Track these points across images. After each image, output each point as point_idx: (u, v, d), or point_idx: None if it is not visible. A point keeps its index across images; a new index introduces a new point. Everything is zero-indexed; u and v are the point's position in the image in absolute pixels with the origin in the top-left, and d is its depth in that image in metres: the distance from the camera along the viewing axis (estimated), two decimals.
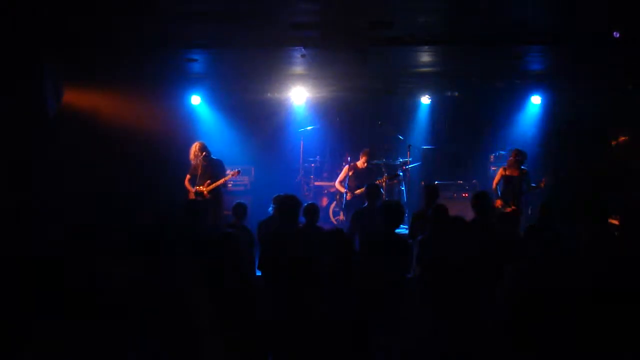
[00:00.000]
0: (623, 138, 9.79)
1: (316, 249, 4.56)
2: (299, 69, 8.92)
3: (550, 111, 10.51)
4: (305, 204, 5.71)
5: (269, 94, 10.79)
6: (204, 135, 9.71)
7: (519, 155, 8.37)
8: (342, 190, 8.99)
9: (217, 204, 8.16)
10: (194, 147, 8.34)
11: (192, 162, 8.34)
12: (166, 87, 9.72)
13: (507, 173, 8.38)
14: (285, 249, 5.01)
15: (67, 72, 7.77)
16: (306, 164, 10.55)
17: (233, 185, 9.74)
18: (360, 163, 8.99)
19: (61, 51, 7.31)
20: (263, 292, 5.62)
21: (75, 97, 8.31)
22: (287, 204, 5.30)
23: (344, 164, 9.52)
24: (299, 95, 10.54)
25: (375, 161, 9.63)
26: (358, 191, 8.60)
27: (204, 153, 8.26)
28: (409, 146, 10.00)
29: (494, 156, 10.44)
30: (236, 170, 8.56)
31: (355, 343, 4.01)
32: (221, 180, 8.27)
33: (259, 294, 4.21)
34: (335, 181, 9.42)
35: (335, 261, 4.16)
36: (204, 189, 8.17)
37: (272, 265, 5.09)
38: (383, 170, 9.51)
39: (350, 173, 8.95)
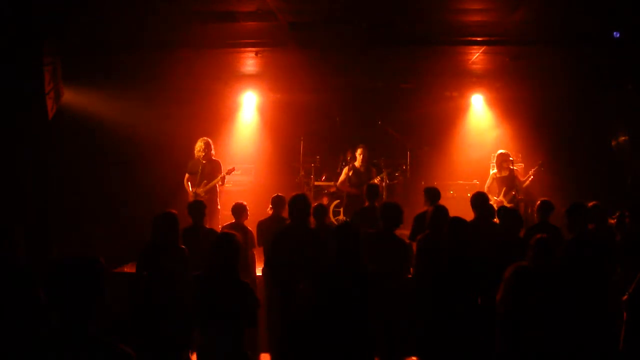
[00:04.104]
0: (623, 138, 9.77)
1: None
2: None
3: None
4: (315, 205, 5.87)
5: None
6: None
7: (506, 157, 8.64)
8: (345, 190, 8.97)
9: (212, 204, 7.97)
10: (202, 142, 8.20)
11: (195, 158, 8.22)
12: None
13: (498, 175, 8.66)
14: (296, 248, 5.03)
15: (68, 72, 7.75)
16: (306, 164, 10.53)
17: (233, 185, 9.69)
18: (358, 163, 8.96)
19: (62, 50, 7.32)
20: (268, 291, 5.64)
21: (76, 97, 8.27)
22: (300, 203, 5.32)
23: (343, 163, 9.51)
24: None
25: (375, 160, 9.60)
26: (357, 190, 8.57)
27: (210, 151, 8.22)
28: (409, 146, 9.98)
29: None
30: (232, 167, 8.48)
31: (355, 341, 4.00)
32: (216, 180, 8.17)
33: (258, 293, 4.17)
34: (334, 181, 9.42)
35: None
36: (201, 190, 8.11)
37: (281, 264, 5.11)
38: (382, 170, 9.49)
39: (350, 173, 8.94)
